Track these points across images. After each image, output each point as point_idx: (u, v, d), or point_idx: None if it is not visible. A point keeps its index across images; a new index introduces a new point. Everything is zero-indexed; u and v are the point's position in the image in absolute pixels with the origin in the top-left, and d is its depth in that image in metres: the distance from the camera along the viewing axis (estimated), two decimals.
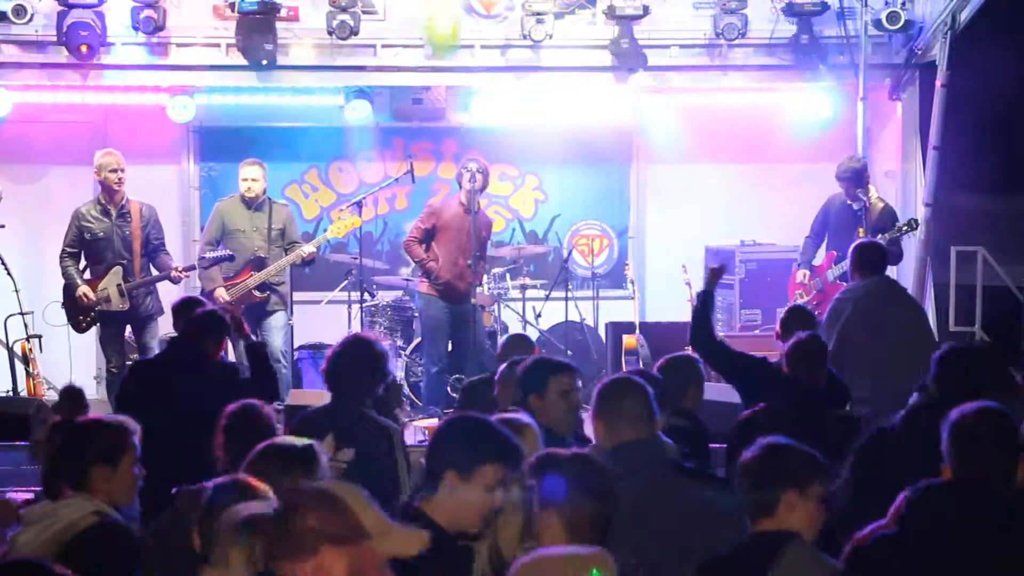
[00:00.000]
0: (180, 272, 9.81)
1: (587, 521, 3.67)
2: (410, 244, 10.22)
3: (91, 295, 9.70)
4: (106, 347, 10.02)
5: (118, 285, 9.71)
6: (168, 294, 9.92)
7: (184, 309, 8.06)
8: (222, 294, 9.84)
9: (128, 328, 9.99)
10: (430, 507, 3.77)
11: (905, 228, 9.91)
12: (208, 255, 9.99)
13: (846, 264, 9.71)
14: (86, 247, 9.80)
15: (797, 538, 3.81)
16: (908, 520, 3.88)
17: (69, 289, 9.83)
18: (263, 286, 9.95)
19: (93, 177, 9.99)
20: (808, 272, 10.14)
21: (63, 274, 9.84)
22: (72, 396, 5.82)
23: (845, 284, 9.74)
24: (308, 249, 10.00)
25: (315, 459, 4.05)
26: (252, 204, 10.10)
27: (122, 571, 3.68)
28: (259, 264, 9.96)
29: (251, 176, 10.07)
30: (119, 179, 9.75)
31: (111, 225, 9.75)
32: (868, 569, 3.87)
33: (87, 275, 9.85)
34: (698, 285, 11.57)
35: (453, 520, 3.75)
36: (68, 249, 9.82)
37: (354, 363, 5.74)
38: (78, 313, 9.84)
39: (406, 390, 10.52)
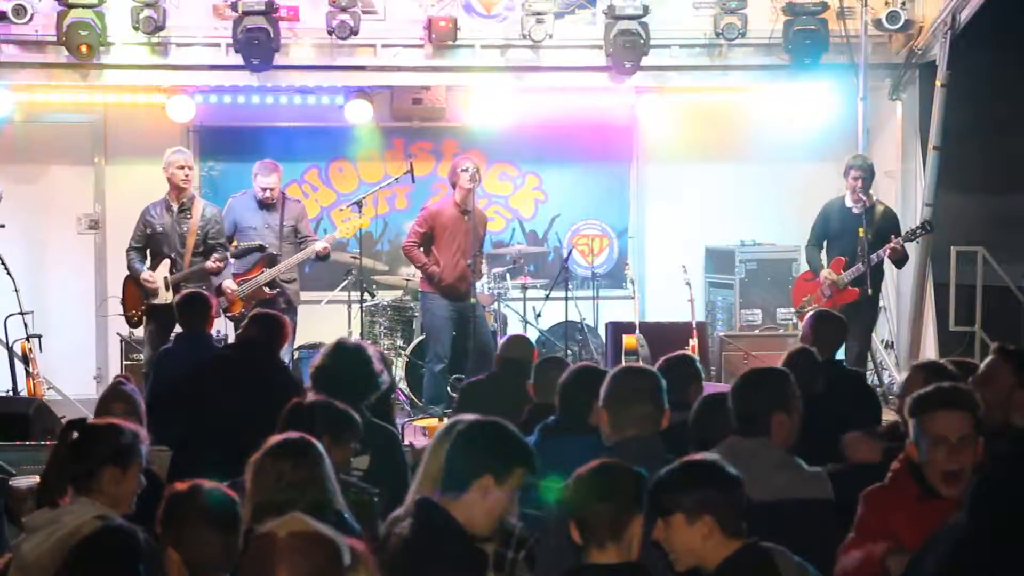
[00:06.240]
0: (216, 263, 9.73)
1: (603, 525, 3.65)
2: (410, 249, 10.19)
3: (154, 279, 9.67)
4: (151, 342, 9.91)
5: (164, 278, 9.71)
6: None
7: (188, 303, 8.10)
8: (230, 285, 9.81)
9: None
10: (456, 508, 3.81)
11: (920, 232, 9.87)
12: (241, 244, 9.98)
13: (856, 270, 9.70)
14: (149, 242, 9.81)
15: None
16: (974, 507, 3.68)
17: (130, 280, 9.82)
18: (273, 284, 9.92)
19: (93, 178, 9.96)
20: (831, 273, 9.88)
21: (127, 266, 9.85)
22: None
23: (858, 289, 9.71)
24: (321, 244, 10.01)
25: (316, 453, 4.10)
26: (265, 203, 10.10)
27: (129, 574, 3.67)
28: (270, 261, 9.94)
29: (270, 185, 10.00)
30: (186, 176, 9.76)
31: (171, 221, 9.76)
32: (937, 553, 3.73)
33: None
34: (698, 285, 11.65)
35: (475, 522, 3.80)
36: (134, 244, 9.85)
37: (350, 367, 5.67)
38: (132, 306, 9.84)
39: (406, 390, 10.52)
